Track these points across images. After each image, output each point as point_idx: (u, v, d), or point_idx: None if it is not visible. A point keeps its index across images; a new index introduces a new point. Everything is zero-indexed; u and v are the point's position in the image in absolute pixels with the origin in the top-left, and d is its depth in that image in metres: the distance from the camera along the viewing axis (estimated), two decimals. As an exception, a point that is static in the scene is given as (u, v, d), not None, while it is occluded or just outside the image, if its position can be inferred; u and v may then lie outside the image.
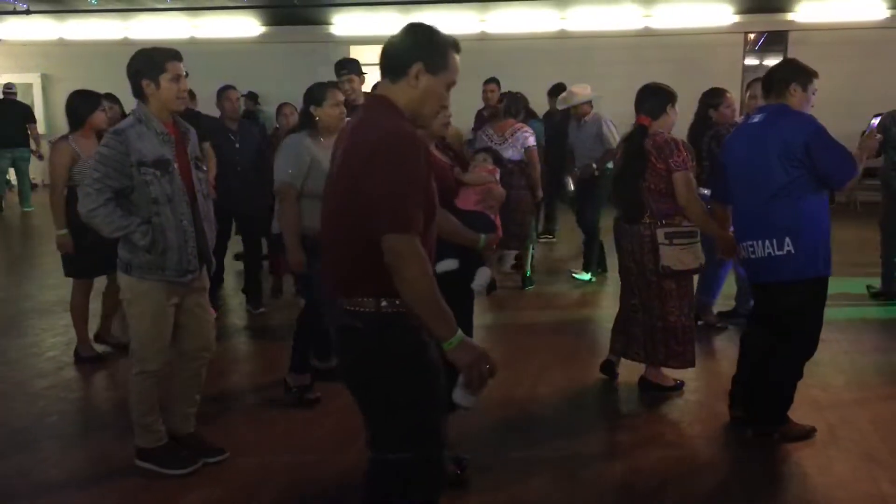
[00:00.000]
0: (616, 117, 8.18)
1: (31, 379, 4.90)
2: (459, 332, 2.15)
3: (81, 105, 4.98)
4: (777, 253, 3.72)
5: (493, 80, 8.28)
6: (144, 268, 3.37)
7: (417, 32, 2.30)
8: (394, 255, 2.11)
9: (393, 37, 2.32)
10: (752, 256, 3.84)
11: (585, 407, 4.47)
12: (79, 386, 4.84)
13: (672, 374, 4.61)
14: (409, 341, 2.26)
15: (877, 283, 6.76)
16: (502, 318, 6.28)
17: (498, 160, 4.33)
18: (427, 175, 2.23)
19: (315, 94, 4.27)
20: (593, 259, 7.51)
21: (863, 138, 4.00)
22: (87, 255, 4.93)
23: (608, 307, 5.92)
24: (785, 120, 3.72)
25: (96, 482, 3.58)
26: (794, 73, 3.80)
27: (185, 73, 3.43)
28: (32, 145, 12.35)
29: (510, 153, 6.51)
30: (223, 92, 6.37)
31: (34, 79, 15.71)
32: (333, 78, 5.78)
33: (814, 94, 3.82)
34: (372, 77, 6.04)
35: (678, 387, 4.58)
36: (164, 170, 3.34)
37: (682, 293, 4.38)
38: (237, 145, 6.20)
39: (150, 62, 3.37)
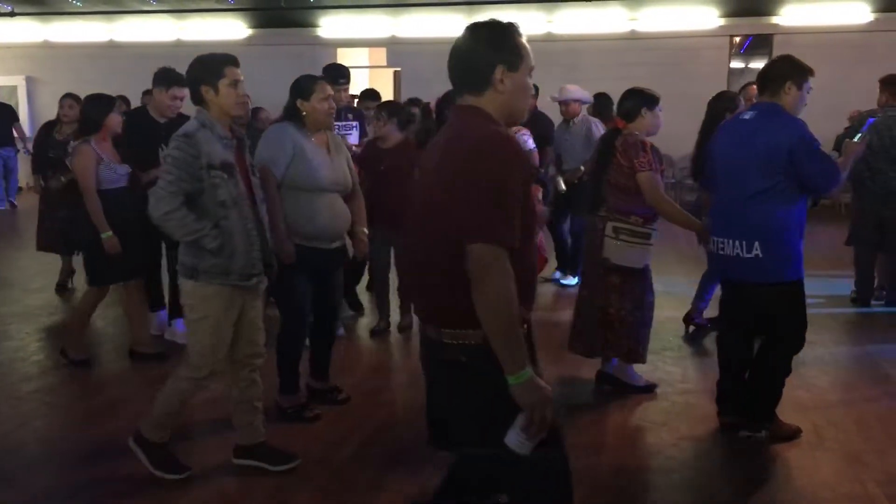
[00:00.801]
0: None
1: (16, 383, 4.86)
2: (530, 368, 1.98)
3: (95, 110, 4.93)
4: (745, 255, 3.73)
5: None
6: (211, 272, 3.35)
7: (484, 35, 2.14)
8: (477, 265, 1.95)
9: (458, 49, 2.16)
10: (721, 252, 3.87)
11: (572, 407, 4.47)
12: (64, 390, 4.79)
13: (644, 374, 4.66)
14: None
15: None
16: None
17: (539, 179, 4.35)
18: (526, 184, 2.06)
19: (303, 87, 4.08)
20: (579, 261, 7.52)
21: (847, 143, 3.98)
22: (112, 263, 4.90)
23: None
24: (774, 122, 3.68)
25: (83, 486, 3.55)
26: (791, 71, 3.75)
27: (242, 78, 3.44)
28: (19, 144, 12.80)
29: None
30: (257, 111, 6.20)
31: (19, 81, 15.61)
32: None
33: (809, 91, 3.79)
34: (362, 79, 6.04)
35: (648, 388, 4.61)
36: (230, 173, 3.35)
37: (625, 290, 4.41)
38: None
39: (208, 68, 3.37)
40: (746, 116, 3.87)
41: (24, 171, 14.12)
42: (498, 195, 1.98)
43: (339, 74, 5.77)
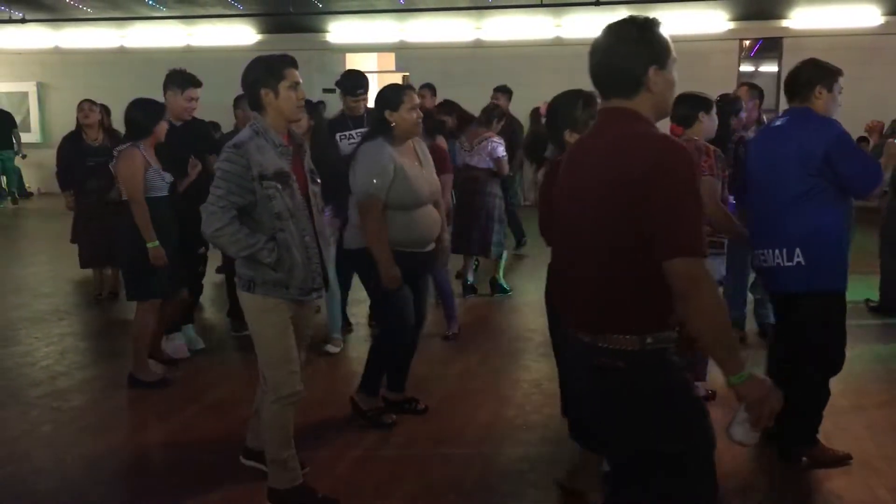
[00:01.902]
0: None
1: (25, 388, 4.88)
2: (748, 365, 2.02)
3: (146, 115, 4.73)
4: (786, 263, 3.58)
5: (426, 86, 8.16)
6: (269, 285, 3.21)
7: (633, 37, 2.11)
8: (686, 279, 1.95)
9: (605, 52, 2.14)
10: (764, 265, 3.72)
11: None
12: (73, 395, 4.80)
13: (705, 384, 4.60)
14: (677, 380, 2.13)
15: (872, 293, 6.73)
16: (488, 327, 6.27)
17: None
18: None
19: (390, 98, 3.98)
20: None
21: (890, 143, 3.90)
22: (156, 274, 4.73)
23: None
24: (806, 126, 3.58)
25: (91, 492, 3.56)
26: (819, 75, 3.66)
27: (301, 80, 3.29)
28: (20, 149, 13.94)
29: (475, 160, 6.73)
30: (240, 100, 5.82)
31: (30, 87, 15.74)
32: (328, 85, 5.72)
33: (840, 92, 3.69)
34: (371, 84, 6.02)
35: (706, 398, 4.48)
36: (285, 183, 3.18)
37: None
38: None
39: (268, 70, 3.21)
40: (778, 123, 3.79)
41: (35, 177, 14.32)
42: (693, 207, 1.98)
43: (357, 85, 5.51)
